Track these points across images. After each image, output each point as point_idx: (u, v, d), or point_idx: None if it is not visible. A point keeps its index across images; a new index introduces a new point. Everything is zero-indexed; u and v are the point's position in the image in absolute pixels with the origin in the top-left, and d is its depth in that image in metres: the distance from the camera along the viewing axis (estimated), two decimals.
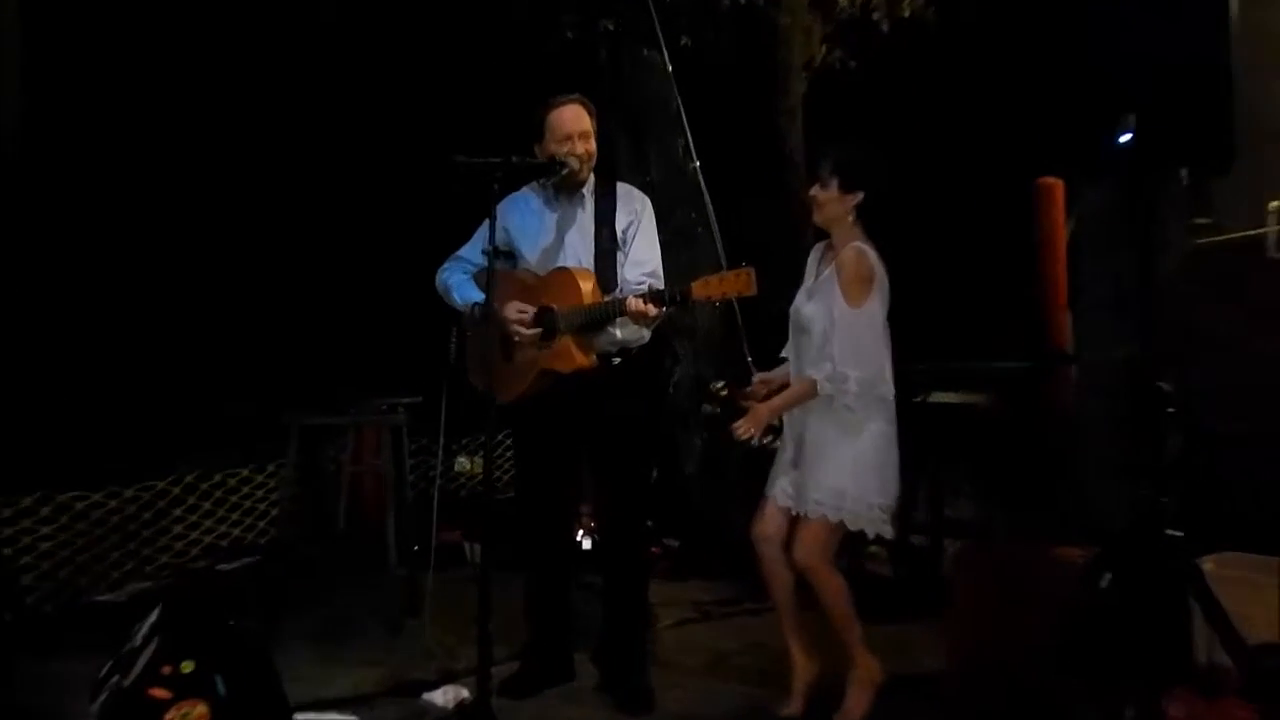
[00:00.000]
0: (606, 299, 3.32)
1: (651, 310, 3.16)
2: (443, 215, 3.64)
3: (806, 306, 3.27)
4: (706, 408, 4.48)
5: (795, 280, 3.42)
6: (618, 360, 3.45)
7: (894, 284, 3.22)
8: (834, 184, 3.21)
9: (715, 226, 4.80)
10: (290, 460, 4.31)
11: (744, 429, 3.19)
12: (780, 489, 3.31)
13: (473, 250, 3.56)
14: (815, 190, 3.25)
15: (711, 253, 4.80)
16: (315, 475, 5.01)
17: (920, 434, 3.70)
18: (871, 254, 3.19)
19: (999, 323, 4.63)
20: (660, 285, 3.36)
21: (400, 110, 5.29)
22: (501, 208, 3.33)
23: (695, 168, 4.85)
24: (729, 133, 5.29)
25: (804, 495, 3.20)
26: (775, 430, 3.44)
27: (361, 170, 5.22)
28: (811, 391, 3.17)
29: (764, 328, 4.35)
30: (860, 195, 3.19)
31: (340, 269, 5.23)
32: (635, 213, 3.49)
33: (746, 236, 4.85)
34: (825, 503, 3.14)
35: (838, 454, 3.17)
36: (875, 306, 3.17)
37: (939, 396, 4.26)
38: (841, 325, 3.14)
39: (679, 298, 3.12)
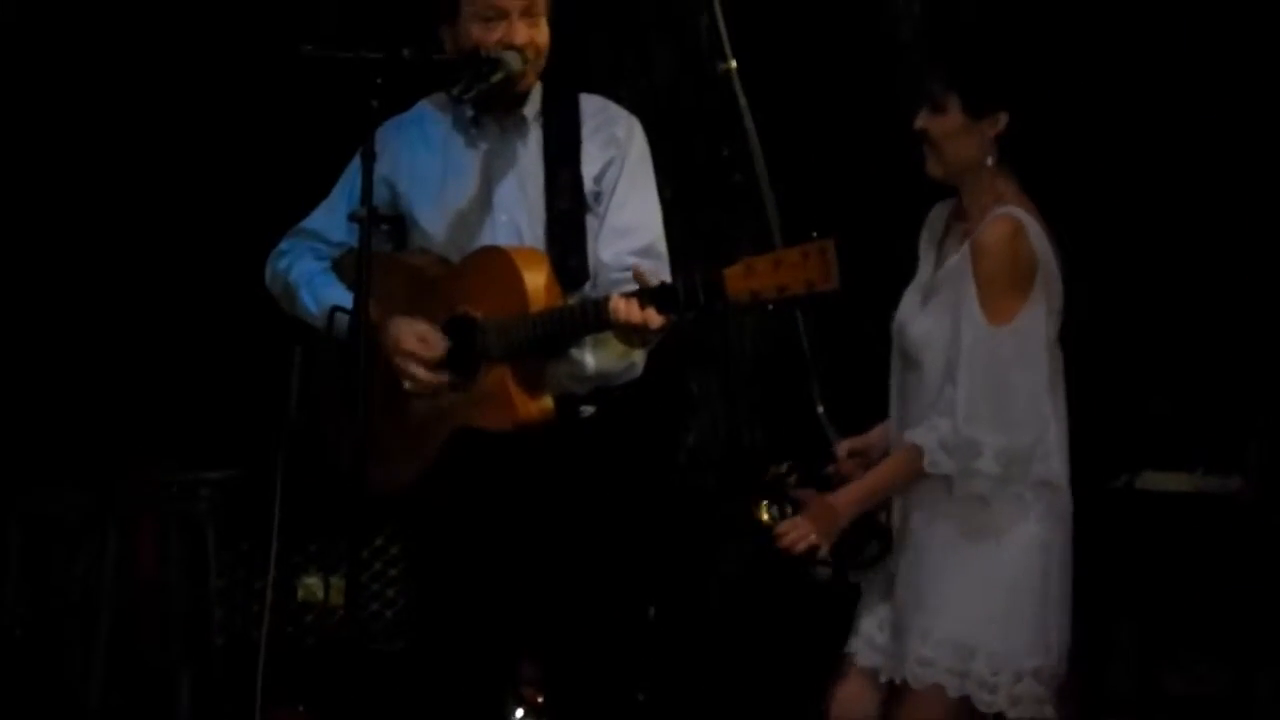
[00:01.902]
0: (570, 301, 3.36)
1: (652, 319, 3.18)
2: (282, 153, 3.63)
3: (917, 321, 3.33)
4: (766, 511, 4.44)
5: (905, 271, 3.45)
6: (588, 410, 3.49)
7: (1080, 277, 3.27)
8: (954, 104, 3.26)
9: (763, 172, 4.76)
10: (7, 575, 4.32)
11: (795, 537, 3.24)
12: (866, 640, 3.38)
13: (330, 218, 3.59)
14: (925, 119, 3.30)
15: (757, 217, 4.72)
16: (48, 601, 4.99)
17: (1121, 545, 3.72)
18: (1033, 227, 3.22)
19: (1267, 345, 4.63)
20: (665, 273, 3.39)
21: None
22: (383, 141, 3.35)
23: (729, 70, 4.83)
24: (791, 7, 5.25)
25: (904, 649, 3.24)
26: (878, 536, 3.42)
27: (135, 73, 5.21)
28: (915, 467, 3.22)
29: (853, 352, 4.38)
30: (1002, 120, 3.24)
31: (96, 243, 5.22)
32: (617, 145, 3.54)
33: (822, 190, 4.86)
34: (938, 663, 3.17)
35: (960, 579, 3.23)
36: (1035, 322, 3.21)
37: (1154, 480, 4.28)
38: (975, 354, 3.18)
39: (702, 296, 3.13)
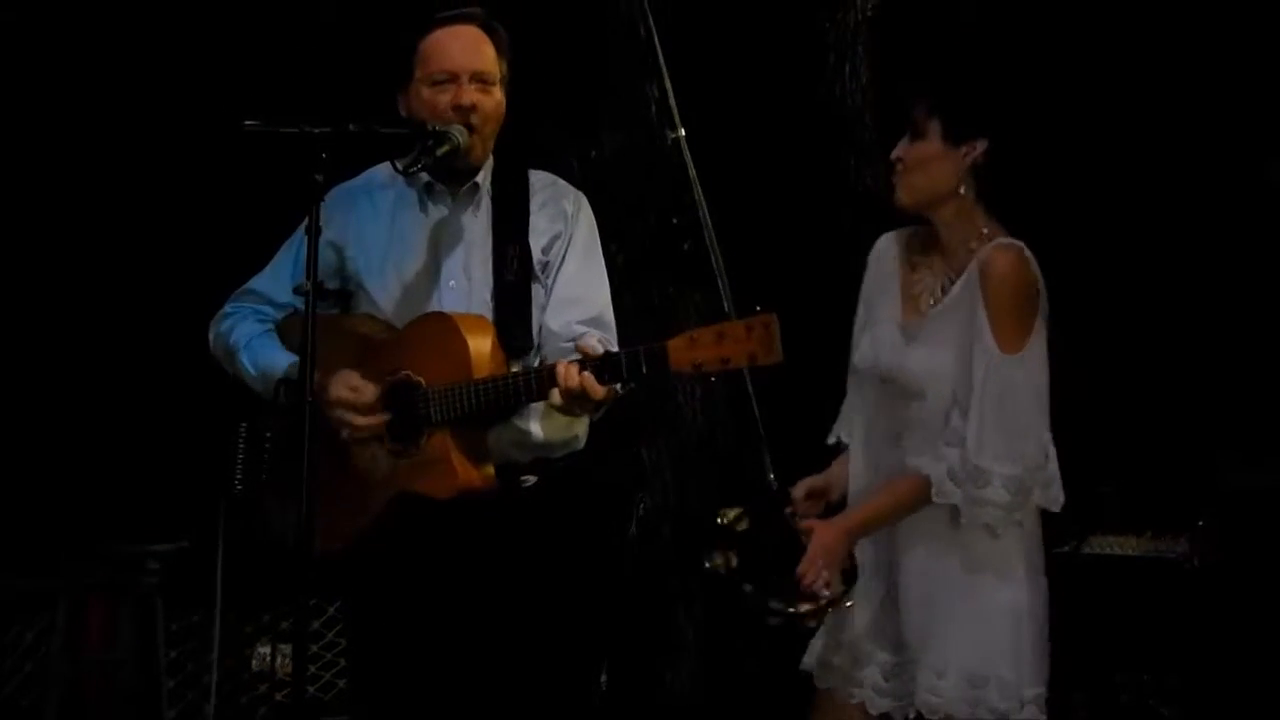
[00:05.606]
0: (513, 369, 3.35)
1: (594, 388, 3.17)
2: (225, 222, 3.62)
3: (912, 355, 3.31)
4: (717, 558, 4.43)
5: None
6: (530, 480, 3.48)
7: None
8: (934, 130, 3.29)
9: (713, 239, 4.79)
10: None
11: (813, 575, 3.22)
12: (873, 687, 3.35)
13: (275, 281, 3.60)
14: (902, 148, 3.32)
15: (708, 285, 4.71)
16: None
17: (1072, 613, 3.69)
18: (1031, 257, 3.26)
19: (1232, 400, 4.71)
20: (612, 343, 3.41)
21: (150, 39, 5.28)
22: (331, 207, 3.39)
23: (678, 139, 4.85)
24: (740, 77, 5.29)
25: (915, 683, 3.27)
26: (845, 579, 3.40)
27: (79, 140, 5.23)
28: (920, 496, 3.24)
29: (805, 419, 4.34)
30: (979, 147, 3.27)
31: (35, 321, 5.21)
32: (565, 219, 3.58)
33: (772, 257, 4.88)
34: (952, 693, 3.21)
35: (969, 610, 3.26)
36: (1041, 350, 3.26)
37: (1101, 545, 4.32)
38: (991, 384, 3.20)
39: (645, 366, 3.14)
